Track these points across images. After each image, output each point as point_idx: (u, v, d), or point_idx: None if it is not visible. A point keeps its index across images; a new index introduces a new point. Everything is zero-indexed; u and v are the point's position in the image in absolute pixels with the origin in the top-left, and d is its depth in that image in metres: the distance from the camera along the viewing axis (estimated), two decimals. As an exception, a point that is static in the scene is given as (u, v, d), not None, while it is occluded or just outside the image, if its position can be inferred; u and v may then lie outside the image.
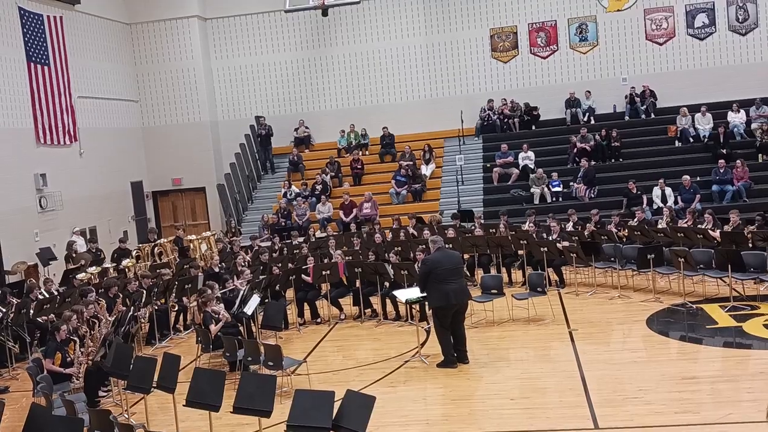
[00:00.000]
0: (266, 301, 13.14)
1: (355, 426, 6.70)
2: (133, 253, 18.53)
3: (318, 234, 19.68)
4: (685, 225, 15.24)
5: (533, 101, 23.92)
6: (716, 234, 14.02)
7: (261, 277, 14.09)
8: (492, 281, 13.11)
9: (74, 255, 18.09)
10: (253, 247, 18.04)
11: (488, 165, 22.43)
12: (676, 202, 18.73)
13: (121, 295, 13.15)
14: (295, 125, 25.03)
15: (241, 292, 12.46)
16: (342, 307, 13.95)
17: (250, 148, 24.86)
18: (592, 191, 20.60)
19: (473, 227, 17.43)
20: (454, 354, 10.49)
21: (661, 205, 18.52)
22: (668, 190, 19.03)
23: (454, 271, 10.39)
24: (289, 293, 14.41)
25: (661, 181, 19.19)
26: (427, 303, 11.29)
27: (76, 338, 10.48)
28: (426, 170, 22.78)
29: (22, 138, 18.81)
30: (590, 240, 14.94)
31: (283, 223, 21.32)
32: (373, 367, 10.90)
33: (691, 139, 21.75)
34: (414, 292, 11.61)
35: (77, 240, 19.02)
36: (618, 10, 23.65)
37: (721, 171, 19.48)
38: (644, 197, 19.13)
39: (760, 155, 20.49)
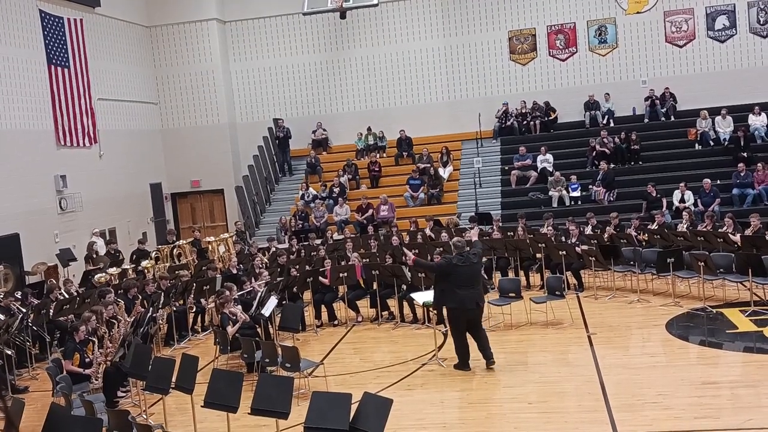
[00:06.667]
0: (284, 302, 13.17)
1: (372, 428, 6.69)
2: (152, 255, 18.64)
3: (335, 236, 19.72)
4: (705, 229, 15.11)
5: (552, 103, 23.82)
6: (737, 238, 13.88)
7: (278, 278, 14.11)
8: (510, 284, 13.05)
9: (94, 257, 18.23)
10: (271, 249, 18.09)
11: (506, 168, 22.39)
12: (696, 206, 18.57)
13: (140, 296, 13.22)
14: (312, 127, 25.09)
15: (259, 294, 12.49)
16: (359, 309, 13.95)
17: (268, 151, 24.95)
18: (611, 194, 20.47)
19: (491, 230, 17.37)
20: (469, 358, 10.46)
21: (682, 205, 18.39)
22: (688, 194, 18.88)
23: (470, 277, 10.30)
24: (307, 295, 14.44)
25: (682, 184, 19.05)
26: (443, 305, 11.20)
27: (94, 339, 10.56)
28: (444, 173, 22.73)
29: (42, 140, 18.97)
30: (609, 243, 14.84)
31: (300, 225, 21.36)
32: (390, 369, 10.88)
33: (712, 143, 21.58)
34: (431, 295, 11.57)
35: (97, 241, 19.15)
36: (637, 12, 23.49)
37: (742, 174, 19.30)
38: (664, 200, 18.99)
39: (781, 158, 20.29)
